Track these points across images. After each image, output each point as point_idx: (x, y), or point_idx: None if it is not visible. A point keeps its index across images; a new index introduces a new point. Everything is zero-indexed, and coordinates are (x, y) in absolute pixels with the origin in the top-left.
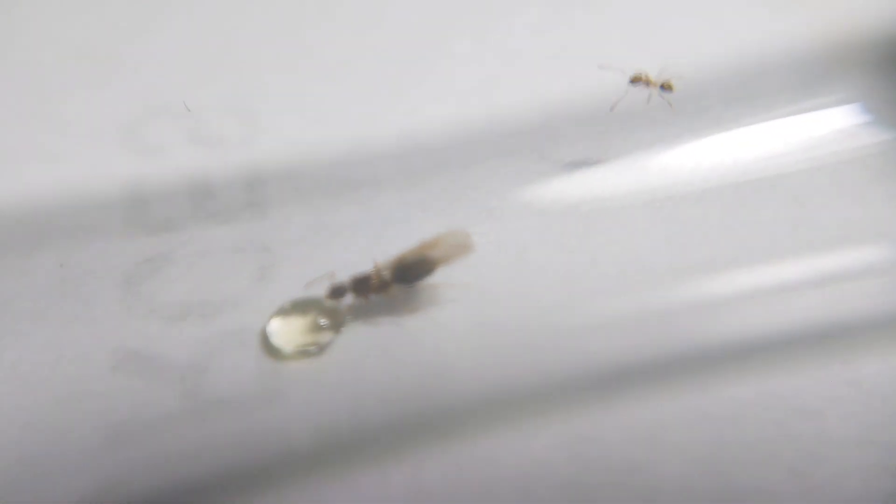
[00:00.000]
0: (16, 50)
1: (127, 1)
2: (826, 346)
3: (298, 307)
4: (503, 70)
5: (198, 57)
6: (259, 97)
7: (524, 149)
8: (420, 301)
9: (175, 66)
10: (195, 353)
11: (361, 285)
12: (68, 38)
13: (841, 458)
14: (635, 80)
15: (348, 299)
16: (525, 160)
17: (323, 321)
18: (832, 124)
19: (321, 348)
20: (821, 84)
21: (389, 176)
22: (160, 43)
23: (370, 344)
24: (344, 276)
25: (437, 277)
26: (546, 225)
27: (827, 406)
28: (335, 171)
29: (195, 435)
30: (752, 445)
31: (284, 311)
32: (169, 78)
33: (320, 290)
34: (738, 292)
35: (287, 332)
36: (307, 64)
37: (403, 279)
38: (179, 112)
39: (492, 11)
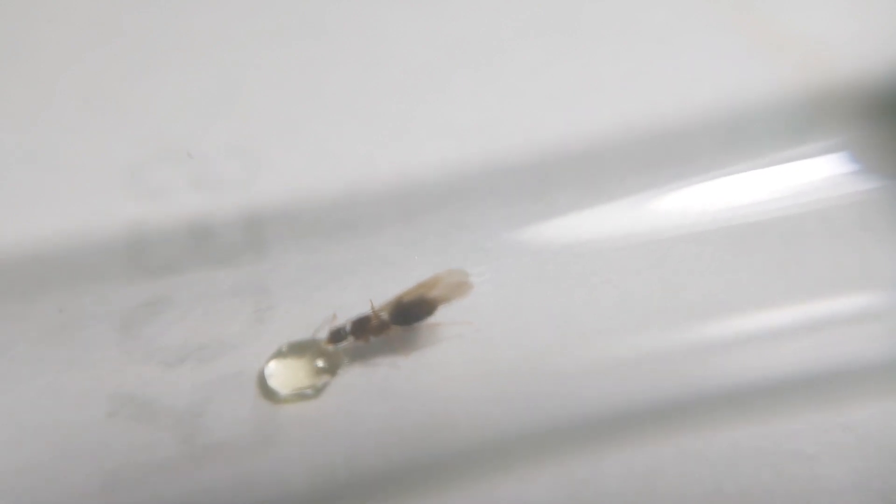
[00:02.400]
0: (18, 92)
1: (127, 46)
2: (820, 391)
3: (295, 349)
4: (499, 114)
5: (198, 100)
6: (258, 139)
7: (520, 190)
8: (418, 342)
9: (176, 109)
10: (192, 398)
11: (361, 327)
12: (70, 83)
13: (834, 502)
14: None
15: (347, 342)
16: (520, 201)
17: (320, 363)
18: (820, 172)
19: (318, 391)
20: (808, 133)
21: (386, 217)
22: (162, 88)
23: (367, 386)
24: (343, 316)
25: (436, 318)
26: (542, 266)
27: (821, 451)
28: (333, 212)
29: (192, 480)
30: (747, 489)
31: (282, 354)
32: (170, 122)
33: (321, 333)
34: (732, 335)
35: (284, 374)
36: (305, 106)
37: (402, 320)
38: (181, 156)
39: (487, 58)
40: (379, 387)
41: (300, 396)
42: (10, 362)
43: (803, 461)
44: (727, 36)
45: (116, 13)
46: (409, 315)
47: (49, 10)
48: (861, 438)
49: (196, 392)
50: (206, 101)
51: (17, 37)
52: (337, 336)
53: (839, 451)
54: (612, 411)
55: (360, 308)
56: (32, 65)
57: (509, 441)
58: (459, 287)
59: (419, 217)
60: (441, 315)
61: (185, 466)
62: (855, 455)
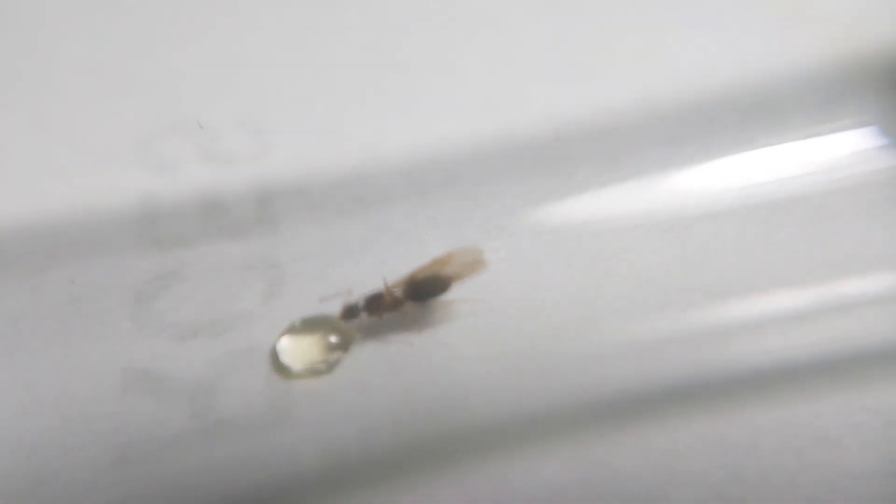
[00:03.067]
0: (29, 66)
1: (139, 19)
2: (845, 373)
3: (308, 325)
4: (515, 87)
5: (209, 75)
6: (270, 114)
7: (536, 167)
8: (432, 319)
9: (187, 83)
10: (205, 372)
11: (374, 304)
12: (80, 55)
13: (859, 487)
14: None
15: (361, 318)
16: (536, 178)
17: (333, 339)
18: (849, 147)
19: (330, 367)
20: (837, 107)
21: (400, 193)
22: (172, 60)
23: (380, 362)
24: (356, 293)
25: (450, 295)
26: (558, 243)
27: (845, 434)
28: (345, 188)
29: (204, 455)
30: (769, 473)
31: (294, 329)
32: (181, 95)
33: (332, 307)
34: (755, 316)
35: (296, 350)
36: (318, 81)
37: (416, 297)
38: (191, 129)
39: (502, 30)
40: (392, 363)
41: (313, 372)
42: (23, 334)
43: (827, 445)
44: (753, 7)
45: None
46: (422, 292)
47: None
48: (887, 422)
49: (208, 367)
50: (218, 75)
51: (26, 10)
52: (350, 312)
53: (864, 435)
54: (630, 392)
55: (373, 284)
56: (42, 39)
57: (523, 420)
58: (473, 264)
59: (433, 193)
60: (455, 292)
61: (197, 441)
62: (880, 439)
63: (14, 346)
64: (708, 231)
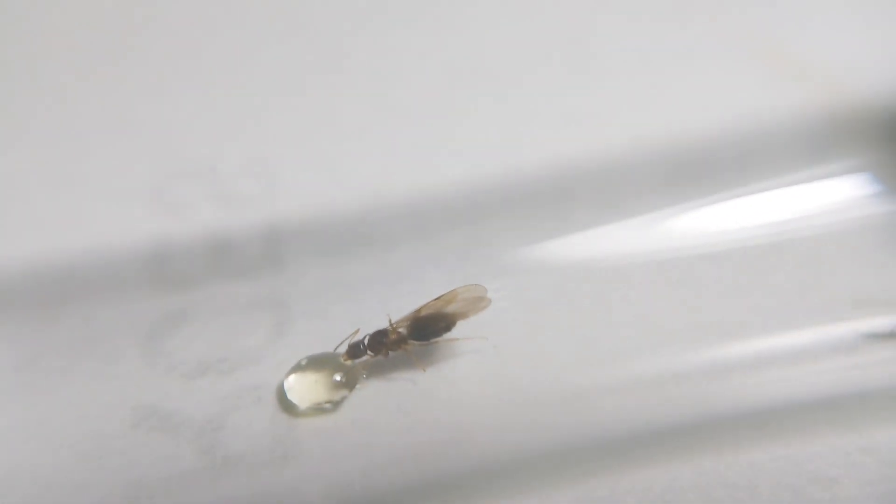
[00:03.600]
0: (41, 113)
1: (149, 68)
2: (841, 414)
3: (314, 363)
4: (516, 132)
5: (218, 121)
6: (277, 157)
7: (537, 208)
8: (436, 357)
9: (197, 129)
10: (213, 410)
11: (378, 342)
12: (95, 106)
13: None
14: None
15: (366, 356)
16: (538, 218)
17: (338, 378)
18: (842, 193)
19: (336, 405)
20: (829, 154)
21: (403, 233)
22: (180, 108)
23: (385, 401)
24: (362, 331)
25: (454, 333)
26: (559, 283)
27: (843, 474)
28: (350, 228)
29: (211, 491)
30: None
31: (301, 368)
32: (191, 141)
33: (341, 347)
34: (752, 356)
35: (303, 388)
36: (323, 126)
37: (420, 335)
38: (201, 173)
39: (504, 77)
40: (396, 402)
41: (319, 410)
42: (38, 371)
43: (824, 484)
44: (745, 61)
45: (140, 36)
46: (426, 330)
47: (70, 33)
48: (882, 462)
49: (216, 404)
50: (227, 122)
51: (39, 61)
52: (355, 351)
53: (861, 474)
54: (631, 430)
55: (378, 322)
56: (54, 87)
57: (527, 458)
58: (477, 302)
59: (436, 233)
60: (459, 330)
61: (204, 477)
62: (876, 478)
63: (29, 383)
64: (706, 271)
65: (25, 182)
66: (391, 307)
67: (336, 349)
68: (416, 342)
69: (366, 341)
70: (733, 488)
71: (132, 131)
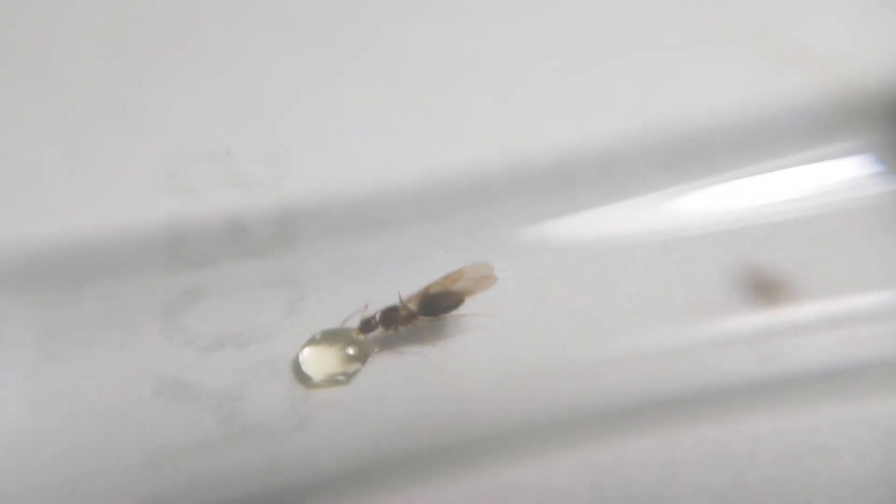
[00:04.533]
0: (59, 99)
1: (169, 60)
2: (841, 386)
3: (328, 338)
4: (520, 117)
5: (233, 107)
6: (290, 142)
7: (542, 190)
8: (445, 332)
9: (212, 115)
10: (230, 382)
11: (390, 317)
12: (115, 93)
13: (856, 496)
14: None
15: (377, 331)
16: (543, 201)
17: (351, 351)
18: (844, 173)
19: (349, 377)
20: (831, 135)
21: (412, 215)
22: (198, 95)
23: (396, 374)
24: (373, 308)
25: (462, 309)
26: (564, 262)
27: (842, 445)
28: (360, 210)
29: (230, 458)
30: (767, 481)
31: (315, 341)
32: (206, 126)
33: (352, 322)
34: (754, 331)
35: (317, 361)
36: (335, 111)
37: (429, 311)
38: (216, 156)
39: (510, 64)
40: (407, 374)
41: (333, 382)
42: (62, 345)
43: (824, 455)
44: (747, 43)
45: (158, 22)
46: (436, 306)
47: (89, 18)
48: (882, 433)
49: (234, 376)
50: (241, 107)
51: (60, 46)
52: (367, 326)
53: (860, 447)
54: (634, 402)
55: (387, 300)
56: (76, 74)
57: (532, 427)
58: (484, 279)
59: (444, 215)
60: (467, 307)
61: (223, 445)
62: (876, 449)
63: (54, 356)
64: (709, 251)
65: (50, 166)
66: (401, 286)
67: (344, 323)
68: (425, 318)
69: (377, 317)
70: (733, 458)
71: (151, 117)
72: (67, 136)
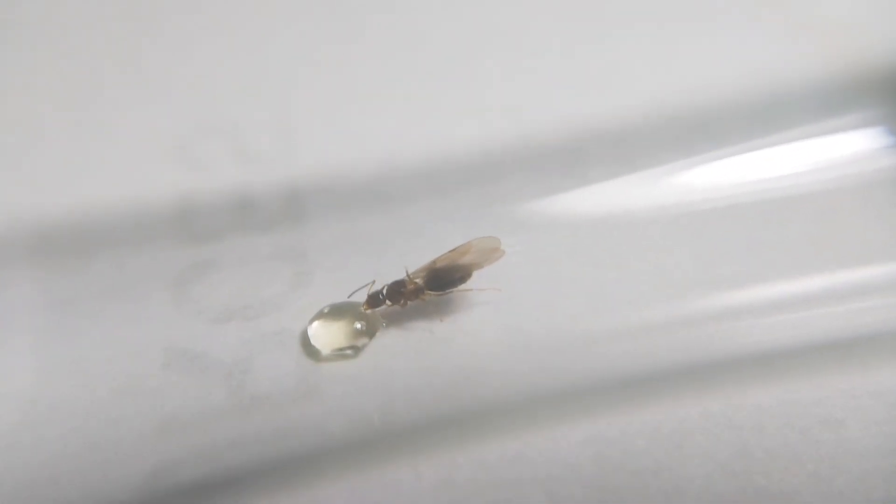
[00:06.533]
0: (81, 78)
1: (176, 33)
2: (848, 358)
3: (336, 312)
4: (530, 92)
5: (242, 81)
6: (298, 117)
7: (551, 166)
8: (452, 307)
9: (221, 89)
10: (239, 353)
11: (397, 292)
12: (123, 67)
13: (861, 465)
14: None
15: (384, 306)
16: (552, 175)
17: (359, 326)
18: (855, 146)
19: (357, 351)
20: (843, 107)
21: (419, 190)
22: (207, 69)
23: (403, 347)
24: (380, 282)
25: (469, 283)
26: (574, 237)
27: (849, 416)
28: (368, 185)
29: (239, 427)
30: (774, 451)
31: (324, 315)
32: (215, 100)
33: (359, 296)
34: (762, 303)
35: (326, 334)
36: (342, 86)
37: (437, 285)
38: (225, 131)
39: (519, 38)
40: (414, 348)
41: (341, 356)
42: (75, 315)
43: (831, 426)
44: (758, 16)
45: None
46: (442, 280)
47: None
48: (888, 404)
49: (243, 348)
50: (249, 82)
51: (72, 24)
52: (375, 300)
53: (867, 417)
54: (641, 374)
55: (394, 275)
56: (88, 47)
57: (539, 401)
58: (491, 253)
59: (452, 190)
60: (474, 281)
61: (233, 415)
62: (882, 420)
63: (67, 326)
64: (719, 225)
65: (64, 143)
66: (408, 260)
67: (350, 296)
68: (432, 293)
69: (384, 291)
70: (740, 430)
71: (161, 91)
72: (79, 107)
